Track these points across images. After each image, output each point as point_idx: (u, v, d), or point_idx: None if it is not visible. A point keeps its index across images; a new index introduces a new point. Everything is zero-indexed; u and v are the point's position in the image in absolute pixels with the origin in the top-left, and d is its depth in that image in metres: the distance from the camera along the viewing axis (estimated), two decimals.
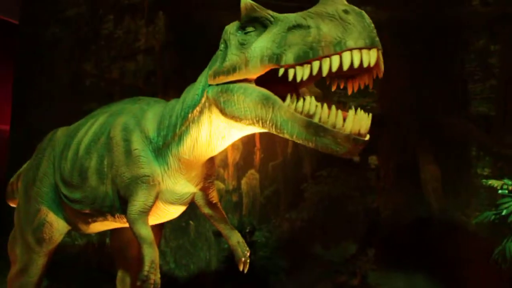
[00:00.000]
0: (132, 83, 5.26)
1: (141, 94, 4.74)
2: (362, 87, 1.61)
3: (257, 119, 1.70)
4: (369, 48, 1.44)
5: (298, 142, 1.60)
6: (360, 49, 1.43)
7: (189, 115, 2.07)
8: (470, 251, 3.53)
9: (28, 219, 2.96)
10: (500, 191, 2.96)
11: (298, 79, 1.53)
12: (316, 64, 1.48)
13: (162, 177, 2.28)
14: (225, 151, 2.46)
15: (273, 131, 1.68)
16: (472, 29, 3.92)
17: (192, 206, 2.58)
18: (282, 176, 4.49)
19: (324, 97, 1.61)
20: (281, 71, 1.58)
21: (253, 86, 1.73)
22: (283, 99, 1.63)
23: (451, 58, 3.96)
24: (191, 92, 2.10)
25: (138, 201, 2.26)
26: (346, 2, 1.56)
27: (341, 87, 1.63)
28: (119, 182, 2.39)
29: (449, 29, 3.94)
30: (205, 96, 1.96)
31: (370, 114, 1.53)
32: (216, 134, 2.02)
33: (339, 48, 1.44)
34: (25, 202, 3.05)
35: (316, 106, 1.54)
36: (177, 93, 2.42)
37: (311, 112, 1.54)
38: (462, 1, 4.02)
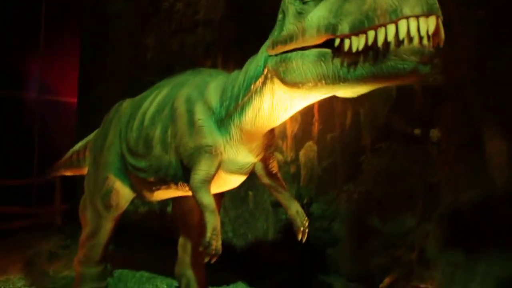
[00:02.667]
0: (192, 55, 5.33)
1: (201, 66, 4.80)
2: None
3: (319, 77, 1.68)
4: (426, 15, 1.40)
5: (369, 84, 1.57)
6: (417, 16, 1.39)
7: (252, 86, 2.09)
8: None
9: (97, 186, 3.11)
10: None
11: (354, 49, 1.50)
12: (371, 34, 1.45)
13: (224, 147, 2.35)
14: (284, 123, 2.46)
15: (338, 86, 1.66)
16: None
17: (251, 177, 2.62)
18: (340, 148, 4.46)
19: None
20: (337, 41, 1.57)
21: (308, 50, 1.73)
22: None
23: None
24: (254, 63, 2.14)
25: (201, 170, 2.33)
26: None
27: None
28: (182, 151, 2.46)
29: None
30: (267, 67, 1.97)
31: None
32: (278, 105, 2.04)
33: (394, 16, 1.40)
34: (94, 170, 3.20)
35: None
36: (237, 65, 2.44)
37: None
38: None
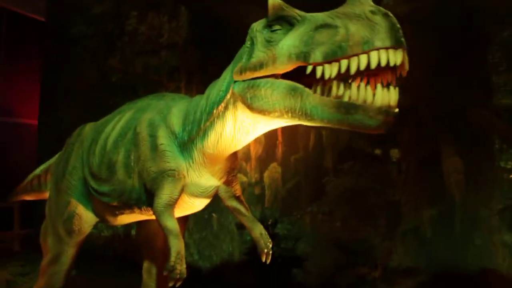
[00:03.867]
0: (155, 78, 5.33)
1: (165, 90, 4.83)
2: (384, 84, 1.62)
3: (286, 110, 1.73)
4: (395, 48, 1.49)
5: (330, 125, 1.64)
6: (386, 48, 1.48)
7: (214, 110, 2.12)
8: (493, 244, 3.50)
9: (59, 211, 3.05)
10: None
11: (327, 77, 1.57)
12: (344, 63, 1.53)
13: (187, 171, 2.34)
14: (248, 145, 2.49)
15: (303, 120, 1.72)
16: (496, 18, 3.86)
17: (215, 199, 2.63)
18: (303, 169, 4.51)
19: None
20: (309, 68, 1.63)
21: (279, 80, 1.78)
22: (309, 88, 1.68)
23: (474, 49, 3.91)
24: (216, 88, 2.16)
25: (164, 194, 2.32)
26: (372, 3, 1.61)
27: (364, 84, 1.64)
28: (145, 176, 2.44)
29: (472, 19, 3.88)
30: (230, 92, 2.01)
31: (397, 88, 1.57)
32: (240, 129, 2.07)
33: (367, 47, 1.48)
34: (55, 195, 3.14)
35: (344, 87, 1.58)
36: (200, 89, 2.47)
37: (340, 94, 1.58)
38: None
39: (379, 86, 1.54)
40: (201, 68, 4.89)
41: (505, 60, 3.86)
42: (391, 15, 1.54)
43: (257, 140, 4.48)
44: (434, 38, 3.92)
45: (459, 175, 3.85)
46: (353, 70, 1.52)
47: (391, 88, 1.55)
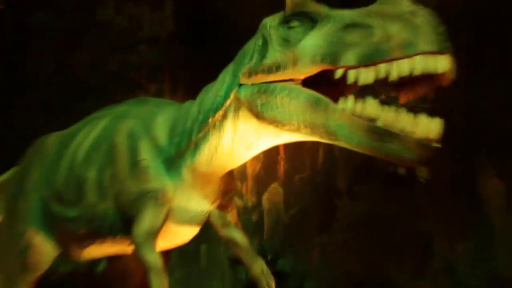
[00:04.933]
0: (133, 78, 5.31)
1: (145, 92, 4.79)
2: (416, 97, 1.70)
3: (305, 124, 1.75)
4: (442, 53, 1.52)
5: (356, 149, 1.66)
6: (433, 53, 1.51)
7: (209, 119, 2.11)
8: None
9: (11, 241, 3.00)
10: None
11: (361, 82, 1.59)
12: (383, 67, 1.55)
13: (174, 192, 2.32)
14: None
15: (325, 139, 1.74)
16: None
17: (203, 227, 2.61)
18: (311, 191, 4.49)
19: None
20: (339, 72, 1.64)
21: (299, 87, 1.79)
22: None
23: (508, 51, 3.94)
24: (211, 93, 2.15)
25: (145, 221, 2.29)
26: (410, 2, 1.63)
27: (392, 94, 1.76)
28: (122, 198, 2.43)
29: (504, 16, 3.92)
30: (231, 97, 2.02)
31: (442, 120, 1.59)
32: (240, 142, 2.07)
33: (411, 51, 1.51)
34: (8, 221, 3.10)
35: (380, 109, 1.60)
36: (188, 93, 2.46)
37: (373, 116, 1.60)
38: None
39: (423, 115, 1.56)
40: (188, 68, 4.87)
41: None
42: (434, 15, 1.58)
43: (254, 156, 4.46)
44: (465, 37, 3.94)
45: (500, 198, 3.86)
46: (393, 76, 1.54)
47: (436, 118, 1.57)
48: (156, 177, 2.32)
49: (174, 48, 5.10)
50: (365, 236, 4.16)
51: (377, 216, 4.14)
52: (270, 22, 1.93)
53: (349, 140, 1.64)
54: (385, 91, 1.81)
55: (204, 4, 4.92)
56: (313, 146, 4.43)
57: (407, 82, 1.64)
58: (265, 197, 4.65)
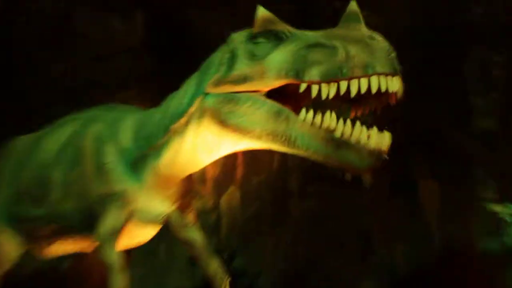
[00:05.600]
0: (105, 86, 5.17)
1: (114, 100, 4.65)
2: (366, 112, 1.79)
3: (268, 132, 1.75)
4: (393, 74, 1.60)
5: (314, 158, 1.68)
6: (386, 75, 1.58)
7: (172, 125, 2.09)
8: (474, 280, 3.53)
9: None
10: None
11: (324, 97, 1.62)
12: (344, 84, 1.58)
13: (137, 194, 2.29)
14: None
15: (285, 147, 1.74)
16: (474, 36, 3.97)
17: (163, 226, 2.55)
18: (266, 193, 4.46)
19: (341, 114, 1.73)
20: (303, 86, 1.66)
21: (263, 98, 1.79)
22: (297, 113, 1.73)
23: (451, 68, 4.00)
24: (175, 100, 2.15)
25: (108, 221, 2.26)
26: (367, 29, 1.73)
27: (338, 109, 1.75)
28: (87, 198, 2.41)
29: (449, 35, 3.98)
30: (195, 105, 2.00)
31: (390, 134, 1.66)
32: (201, 148, 2.06)
33: (369, 71, 1.56)
34: None
35: (337, 121, 1.64)
36: (155, 100, 2.41)
37: (332, 127, 1.63)
38: (463, 9, 4.06)
39: (375, 128, 1.63)
40: (156, 77, 4.79)
41: (484, 81, 3.95)
42: (387, 42, 1.66)
43: (214, 161, 4.40)
44: (408, 55, 3.96)
45: (435, 201, 3.90)
46: (353, 93, 1.58)
47: (386, 132, 1.64)
48: (120, 179, 2.29)
49: (143, 59, 5.00)
50: (313, 233, 4.15)
51: (324, 215, 4.16)
52: (238, 37, 1.94)
53: (308, 148, 1.66)
54: (337, 105, 1.82)
55: (174, 16, 4.85)
56: (269, 152, 4.37)
57: (359, 98, 1.69)
58: (223, 199, 4.59)
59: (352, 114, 1.81)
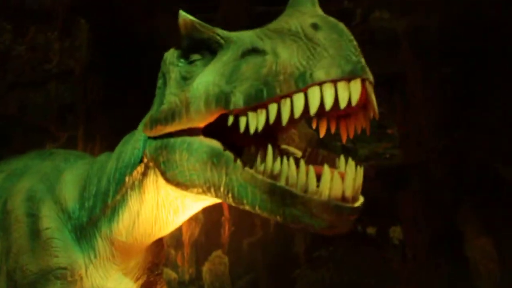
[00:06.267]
0: (38, 123, 5.21)
1: (53, 142, 4.71)
2: (358, 131, 1.61)
3: (208, 186, 1.71)
4: (347, 79, 1.42)
5: (263, 215, 1.59)
6: (334, 81, 1.42)
7: (127, 178, 2.08)
8: None
9: None
10: None
11: (252, 131, 1.53)
12: (273, 108, 1.48)
13: (86, 269, 2.27)
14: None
15: (230, 202, 1.67)
16: None
17: None
18: (263, 259, 4.47)
19: (322, 143, 1.60)
20: (230, 119, 1.59)
21: (199, 139, 1.75)
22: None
23: (496, 79, 4.06)
24: (130, 145, 2.12)
25: None
26: (319, 11, 1.58)
27: (332, 131, 1.64)
28: (19, 277, 2.35)
29: (493, 40, 4.06)
30: (146, 153, 1.98)
31: (362, 167, 1.52)
32: (165, 205, 2.04)
33: (302, 82, 1.43)
34: None
35: (282, 161, 1.52)
36: (106, 141, 2.42)
37: (276, 171, 1.52)
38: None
39: (325, 166, 1.46)
40: (108, 109, 4.83)
41: None
42: (343, 27, 1.50)
43: (192, 217, 4.42)
44: (442, 64, 4.06)
45: (491, 262, 3.91)
46: (284, 119, 1.47)
47: (350, 165, 1.51)
48: (63, 251, 2.26)
49: (91, 85, 5.05)
50: None
51: (342, 285, 4.15)
52: (169, 57, 1.91)
53: (252, 203, 1.58)
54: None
55: (124, 30, 4.90)
56: None
57: (349, 112, 1.57)
58: (206, 267, 4.60)
59: (344, 138, 1.65)
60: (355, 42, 1.48)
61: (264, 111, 1.50)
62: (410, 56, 3.72)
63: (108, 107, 4.85)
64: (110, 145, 2.36)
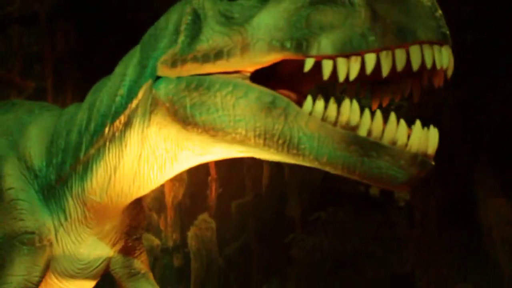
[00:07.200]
0: (1, 73, 5.19)
1: (18, 93, 4.69)
2: (397, 99, 1.65)
3: (258, 133, 1.70)
4: (441, 43, 1.51)
5: (329, 169, 1.60)
6: (432, 43, 1.50)
7: (105, 129, 2.07)
8: None
9: None
10: None
11: (341, 78, 1.53)
12: (371, 59, 1.50)
13: (56, 233, 2.28)
14: (159, 185, 2.45)
15: (284, 155, 1.66)
16: None
17: (105, 277, 2.57)
18: (254, 222, 4.49)
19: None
20: (309, 63, 1.55)
21: (248, 83, 1.73)
22: (299, 104, 1.64)
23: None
24: (106, 92, 2.07)
25: (15, 275, 2.25)
26: None
27: (361, 95, 1.67)
28: None
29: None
30: (138, 97, 1.96)
31: (437, 130, 1.54)
32: (149, 160, 2.02)
33: (408, 38, 1.49)
34: None
35: (363, 114, 1.54)
36: (78, 90, 2.40)
37: (353, 123, 1.56)
38: None
39: (418, 122, 1.51)
40: (79, 55, 4.79)
41: None
42: None
43: (175, 177, 4.42)
44: (462, 29, 4.05)
45: (507, 225, 3.93)
46: (385, 71, 1.48)
47: (432, 128, 1.53)
48: (29, 213, 2.28)
49: (59, 30, 5.02)
50: (327, 281, 4.18)
51: (342, 254, 4.18)
52: None
53: (319, 155, 1.59)
54: (351, 90, 1.76)
55: None
56: (254, 161, 4.42)
57: (387, 80, 1.59)
58: (191, 232, 4.62)
59: (375, 105, 1.68)
60: (441, 11, 1.55)
61: (359, 59, 1.52)
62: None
63: (78, 51, 4.83)
64: (84, 97, 2.35)
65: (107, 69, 2.22)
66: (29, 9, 5.19)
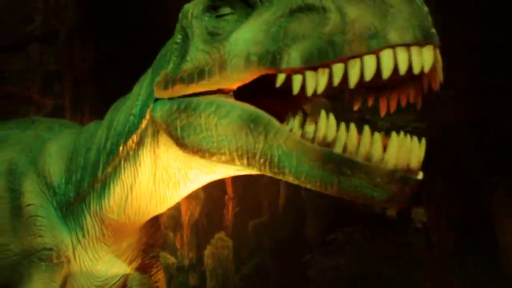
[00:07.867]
0: (20, 90, 5.23)
1: (37, 110, 4.72)
2: (403, 104, 1.59)
3: (240, 152, 1.70)
4: (421, 44, 1.44)
5: (309, 186, 1.54)
6: (407, 45, 1.43)
7: (120, 148, 2.08)
8: None
9: None
10: None
11: (309, 92, 1.50)
12: (338, 69, 1.47)
13: (74, 250, 2.29)
14: (176, 204, 2.45)
15: (267, 171, 1.62)
16: None
17: None
18: (270, 242, 4.49)
19: (336, 112, 1.58)
20: (280, 79, 1.55)
21: (231, 101, 1.74)
22: (281, 120, 1.61)
23: None
24: (123, 111, 2.11)
25: None
26: None
27: (369, 104, 1.63)
28: (4, 258, 2.37)
29: None
30: (147, 117, 1.97)
31: (424, 140, 1.49)
32: (164, 178, 2.03)
33: (375, 43, 1.42)
34: None
35: (338, 128, 1.51)
36: (96, 108, 2.41)
37: (330, 138, 1.53)
38: None
39: (394, 134, 1.47)
40: (98, 73, 4.80)
41: None
42: None
43: (192, 196, 4.44)
44: (473, 32, 4.05)
45: None
46: (353, 81, 1.43)
47: (412, 138, 1.47)
48: (48, 230, 2.29)
49: (78, 48, 5.04)
50: None
51: (359, 274, 4.16)
52: (192, 10, 1.89)
53: (298, 174, 1.58)
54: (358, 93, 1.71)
55: None
56: (271, 181, 4.43)
57: (387, 84, 1.56)
58: (207, 251, 4.63)
59: (383, 111, 1.64)
60: (426, 8, 1.50)
61: (326, 72, 1.49)
62: (437, 22, 3.70)
63: (97, 73, 4.85)
64: (101, 115, 2.35)
65: (124, 88, 2.24)
66: (50, 27, 5.23)
